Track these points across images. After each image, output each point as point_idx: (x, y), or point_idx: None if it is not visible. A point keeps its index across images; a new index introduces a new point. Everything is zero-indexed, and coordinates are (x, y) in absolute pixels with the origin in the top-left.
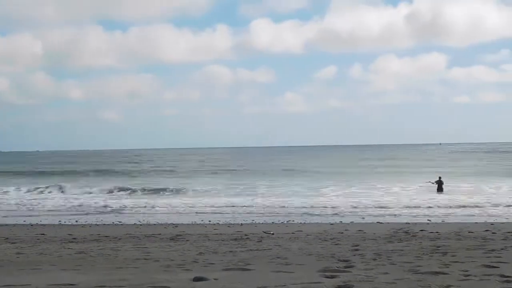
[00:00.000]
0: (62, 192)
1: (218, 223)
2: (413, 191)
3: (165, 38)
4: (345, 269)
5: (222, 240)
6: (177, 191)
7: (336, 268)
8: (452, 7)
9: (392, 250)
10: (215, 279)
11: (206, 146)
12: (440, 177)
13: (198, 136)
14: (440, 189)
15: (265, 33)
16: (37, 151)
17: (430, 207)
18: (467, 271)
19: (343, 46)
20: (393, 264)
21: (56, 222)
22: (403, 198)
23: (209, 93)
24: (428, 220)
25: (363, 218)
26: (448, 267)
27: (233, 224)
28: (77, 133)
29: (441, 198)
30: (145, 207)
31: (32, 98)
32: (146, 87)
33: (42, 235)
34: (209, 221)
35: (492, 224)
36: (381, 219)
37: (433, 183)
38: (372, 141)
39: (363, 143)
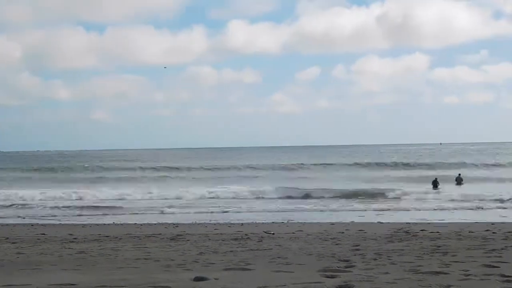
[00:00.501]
0: None
1: (218, 223)
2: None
3: (145, 39)
4: (346, 269)
5: (223, 240)
6: None
7: (337, 268)
8: (427, 9)
9: (392, 250)
10: (215, 278)
11: (195, 146)
12: (436, 178)
13: (185, 136)
14: (435, 187)
15: (242, 35)
16: (38, 151)
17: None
18: (467, 270)
19: (321, 47)
20: (394, 264)
21: (57, 222)
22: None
23: (194, 93)
24: (428, 220)
25: (363, 217)
26: (448, 266)
27: (234, 223)
28: (62, 133)
29: (439, 196)
30: None
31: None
32: (130, 88)
33: (43, 235)
34: (210, 220)
35: (492, 223)
36: (381, 219)
37: (436, 183)
38: (366, 141)
39: (358, 143)
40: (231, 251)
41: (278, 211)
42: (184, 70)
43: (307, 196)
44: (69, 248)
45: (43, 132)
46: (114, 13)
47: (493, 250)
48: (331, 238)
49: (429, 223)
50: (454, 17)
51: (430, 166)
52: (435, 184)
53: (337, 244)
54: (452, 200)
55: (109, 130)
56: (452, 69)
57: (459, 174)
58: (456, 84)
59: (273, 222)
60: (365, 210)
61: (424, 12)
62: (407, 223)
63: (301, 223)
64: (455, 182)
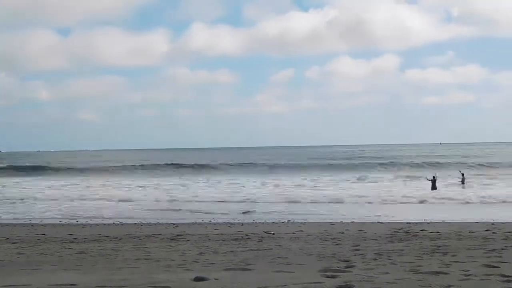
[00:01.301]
0: None
1: (218, 223)
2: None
3: (112, 41)
4: (346, 269)
5: (223, 240)
6: None
7: (337, 268)
8: (386, 12)
9: (392, 250)
10: (215, 279)
11: (179, 146)
12: (434, 176)
13: (164, 136)
14: (434, 187)
15: (206, 37)
16: (38, 151)
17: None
18: (467, 270)
19: (281, 50)
20: (394, 264)
21: (57, 222)
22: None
23: (170, 94)
24: (428, 220)
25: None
26: (448, 267)
27: (234, 224)
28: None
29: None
30: None
31: None
32: (103, 89)
33: (43, 235)
34: (210, 220)
35: (492, 223)
36: (381, 219)
37: (429, 180)
38: (358, 141)
39: (346, 143)
40: (231, 251)
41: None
42: (148, 71)
43: None
44: (69, 248)
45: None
46: (77, 16)
47: (493, 250)
48: (331, 238)
49: (429, 223)
50: (412, 20)
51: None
52: (433, 184)
53: (337, 244)
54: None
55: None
56: (423, 70)
57: (463, 174)
58: (426, 85)
59: (273, 222)
60: None
61: (385, 14)
62: (407, 223)
63: (301, 223)
64: (460, 181)
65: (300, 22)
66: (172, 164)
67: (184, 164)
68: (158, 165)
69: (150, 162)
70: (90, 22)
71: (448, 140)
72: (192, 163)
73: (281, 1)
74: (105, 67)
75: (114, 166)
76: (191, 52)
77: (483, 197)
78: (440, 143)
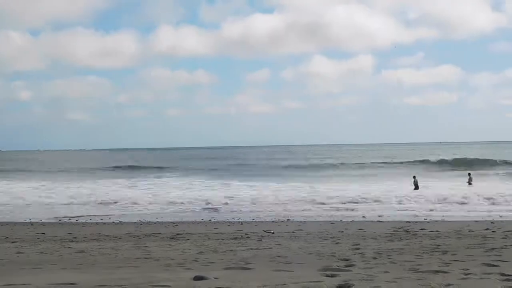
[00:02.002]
0: None
1: (218, 222)
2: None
3: (85, 42)
4: (346, 268)
5: (222, 239)
6: None
7: (337, 267)
8: (352, 15)
9: (392, 249)
10: (215, 278)
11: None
12: (414, 176)
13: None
14: (416, 187)
15: (174, 38)
16: (38, 150)
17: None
18: (467, 269)
19: (253, 51)
20: (394, 263)
21: (56, 221)
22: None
23: (145, 95)
24: (427, 219)
25: (363, 217)
26: (448, 265)
27: (233, 223)
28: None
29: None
30: None
31: None
32: (77, 89)
33: (42, 234)
34: (209, 220)
35: (492, 222)
36: (381, 218)
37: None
38: (347, 140)
39: (335, 142)
40: (231, 250)
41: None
42: (119, 72)
43: None
44: (69, 247)
45: None
46: (44, 17)
47: (493, 249)
48: (331, 237)
49: (428, 222)
50: (374, 22)
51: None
52: (416, 185)
53: (337, 243)
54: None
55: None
56: (394, 70)
57: (469, 174)
58: (396, 85)
59: (272, 221)
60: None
61: (347, 17)
62: (407, 222)
63: (301, 222)
64: (468, 181)
65: (263, 24)
66: (122, 166)
67: (139, 165)
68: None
69: (101, 164)
70: (57, 24)
71: (423, 139)
72: (149, 165)
73: (241, 4)
74: (78, 67)
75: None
76: (160, 53)
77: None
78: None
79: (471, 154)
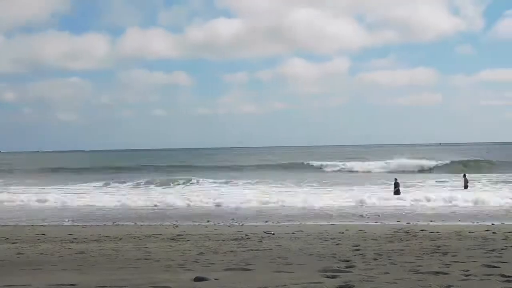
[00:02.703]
0: None
1: (218, 223)
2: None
3: (55, 44)
4: (346, 269)
5: (223, 240)
6: None
7: (337, 268)
8: (317, 19)
9: (392, 250)
10: (216, 279)
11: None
12: (396, 179)
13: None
14: (397, 192)
15: (145, 40)
16: (38, 151)
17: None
18: (467, 271)
19: (222, 53)
20: (394, 264)
21: (56, 223)
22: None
23: (117, 96)
24: (430, 220)
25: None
26: (448, 267)
27: (234, 224)
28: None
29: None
30: None
31: None
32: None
33: (43, 235)
34: (208, 221)
35: (492, 224)
36: (381, 219)
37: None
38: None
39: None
40: (231, 251)
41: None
42: (90, 74)
43: None
44: (69, 248)
45: None
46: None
47: (493, 250)
48: (331, 238)
49: (429, 223)
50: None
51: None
52: (396, 188)
53: (337, 244)
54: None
55: None
56: (366, 73)
57: (465, 175)
58: (366, 87)
59: (273, 223)
60: None
61: (312, 21)
62: (407, 223)
63: (301, 223)
64: (463, 183)
65: (227, 28)
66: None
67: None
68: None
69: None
70: (25, 26)
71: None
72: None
73: (206, 8)
74: (46, 69)
75: None
76: (129, 56)
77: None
78: (440, 144)
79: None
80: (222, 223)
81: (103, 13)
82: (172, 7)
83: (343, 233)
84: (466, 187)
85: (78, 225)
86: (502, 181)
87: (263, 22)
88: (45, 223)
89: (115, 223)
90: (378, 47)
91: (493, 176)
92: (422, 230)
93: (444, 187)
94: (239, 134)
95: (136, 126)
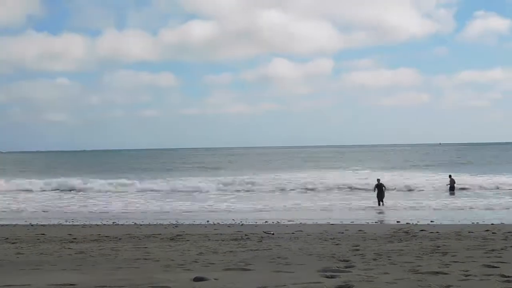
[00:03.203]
0: None
1: (218, 223)
2: None
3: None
4: (346, 269)
5: (222, 240)
6: None
7: (337, 268)
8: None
9: (392, 250)
10: (215, 279)
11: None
12: (378, 179)
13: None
14: (381, 197)
15: (122, 42)
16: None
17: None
18: (467, 271)
19: (201, 55)
20: (394, 264)
21: (56, 222)
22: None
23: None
24: (431, 221)
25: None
26: (448, 267)
27: (233, 224)
28: None
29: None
30: None
31: None
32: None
33: (42, 235)
34: (207, 221)
35: (492, 224)
36: (381, 220)
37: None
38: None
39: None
40: (231, 251)
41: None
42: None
43: None
44: (69, 248)
45: None
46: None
47: (493, 250)
48: (331, 239)
49: (428, 224)
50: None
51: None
52: (381, 191)
53: (337, 244)
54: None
55: None
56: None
57: (450, 176)
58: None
59: (273, 223)
60: None
61: (285, 24)
62: (406, 223)
63: (300, 223)
64: (449, 186)
65: (199, 30)
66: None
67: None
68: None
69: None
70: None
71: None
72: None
73: (176, 10)
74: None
75: None
76: (111, 57)
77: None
78: (440, 144)
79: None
80: (222, 223)
81: (76, 15)
82: (143, 9)
83: (342, 233)
84: (452, 188)
85: (77, 225)
86: None
87: (237, 24)
88: (45, 223)
89: (114, 223)
90: (353, 49)
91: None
92: (422, 230)
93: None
94: (211, 135)
95: (100, 127)
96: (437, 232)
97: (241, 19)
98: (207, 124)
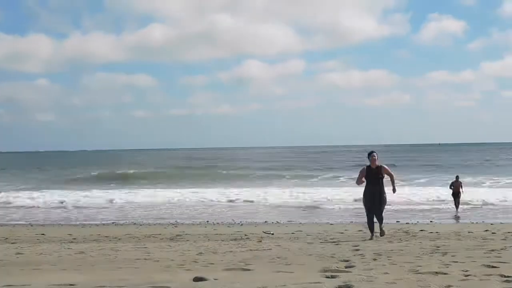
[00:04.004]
0: None
1: (218, 223)
2: None
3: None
4: (345, 269)
5: (222, 240)
6: None
7: (336, 268)
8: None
9: (392, 250)
10: (215, 279)
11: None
12: (457, 176)
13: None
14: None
15: (90, 43)
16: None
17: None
18: (467, 271)
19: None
20: (393, 264)
21: (56, 222)
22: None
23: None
24: (430, 220)
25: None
26: (448, 267)
27: (233, 224)
28: None
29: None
30: None
31: None
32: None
33: (42, 235)
34: (207, 221)
35: (491, 224)
36: None
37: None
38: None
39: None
40: (231, 251)
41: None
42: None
43: None
44: (69, 248)
45: None
46: None
47: (493, 250)
48: (330, 239)
49: (428, 223)
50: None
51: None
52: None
53: (337, 244)
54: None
55: None
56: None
57: (457, 177)
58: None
59: (272, 222)
60: None
61: (251, 28)
62: (406, 223)
63: (300, 223)
64: (451, 189)
65: (158, 34)
66: None
67: None
68: None
69: None
70: None
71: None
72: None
73: (133, 13)
74: None
75: None
76: (73, 59)
77: None
78: (439, 144)
79: None
80: (222, 223)
81: (34, 18)
82: (99, 13)
83: (342, 233)
84: (456, 194)
85: (77, 225)
86: None
87: (195, 27)
88: (45, 223)
89: (114, 223)
90: (316, 51)
91: None
92: (422, 230)
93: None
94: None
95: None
96: (437, 232)
97: (198, 23)
98: (191, 124)
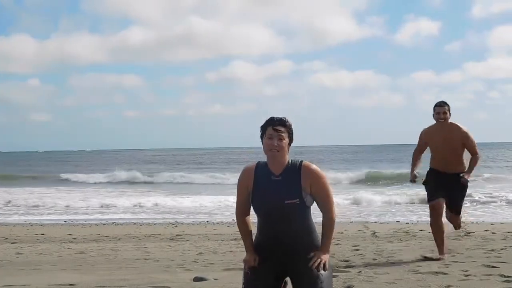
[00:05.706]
0: None
1: (218, 223)
2: None
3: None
4: (345, 269)
5: (222, 240)
6: None
7: (336, 268)
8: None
9: (392, 250)
10: (215, 279)
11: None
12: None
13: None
14: None
15: (77, 45)
16: (37, 151)
17: None
18: (467, 271)
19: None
20: (394, 264)
21: (56, 222)
22: None
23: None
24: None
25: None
26: (448, 267)
27: (233, 224)
28: None
29: None
30: None
31: None
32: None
33: (42, 235)
34: (207, 221)
35: (491, 224)
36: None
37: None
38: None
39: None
40: (231, 251)
41: None
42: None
43: None
44: (69, 248)
45: None
46: None
47: (493, 250)
48: None
49: (428, 223)
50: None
51: None
52: None
53: (336, 244)
54: None
55: None
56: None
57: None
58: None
59: None
60: None
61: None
62: (406, 223)
63: None
64: None
65: (138, 35)
66: None
67: None
68: None
69: None
70: None
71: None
72: None
73: (110, 15)
74: None
75: None
76: (66, 59)
77: None
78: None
79: None
80: (221, 222)
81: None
82: (75, 15)
83: (342, 233)
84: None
85: (77, 225)
86: None
87: (175, 29)
88: (44, 223)
89: (114, 223)
90: (299, 51)
91: None
92: (421, 230)
93: None
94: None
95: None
96: None
97: (177, 25)
98: (182, 125)
